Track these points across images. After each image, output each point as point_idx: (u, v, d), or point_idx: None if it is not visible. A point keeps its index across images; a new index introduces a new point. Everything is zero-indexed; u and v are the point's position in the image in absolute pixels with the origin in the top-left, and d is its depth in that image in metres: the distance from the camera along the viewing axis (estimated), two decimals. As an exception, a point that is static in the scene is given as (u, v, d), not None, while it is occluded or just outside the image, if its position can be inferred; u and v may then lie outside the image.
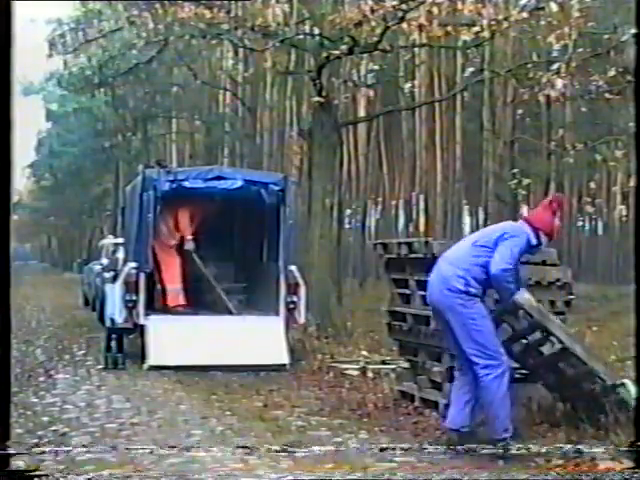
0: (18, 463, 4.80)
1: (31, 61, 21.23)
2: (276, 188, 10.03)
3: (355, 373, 8.74)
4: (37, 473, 4.60)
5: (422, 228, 29.30)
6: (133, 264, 9.62)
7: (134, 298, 9.47)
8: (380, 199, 35.25)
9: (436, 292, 5.48)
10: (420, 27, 10.67)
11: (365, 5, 10.53)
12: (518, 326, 5.70)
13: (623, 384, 5.60)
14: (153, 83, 24.67)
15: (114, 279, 10.33)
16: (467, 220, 34.01)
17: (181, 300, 10.35)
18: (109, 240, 17.53)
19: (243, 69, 23.81)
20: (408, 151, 29.83)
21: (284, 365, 9.22)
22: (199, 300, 10.51)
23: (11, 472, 4.67)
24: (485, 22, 10.42)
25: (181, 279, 10.46)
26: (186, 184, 9.79)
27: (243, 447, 5.37)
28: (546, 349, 5.73)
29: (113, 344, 9.50)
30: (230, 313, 9.89)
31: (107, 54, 18.01)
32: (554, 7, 10.20)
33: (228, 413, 6.75)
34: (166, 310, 10.23)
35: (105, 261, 15.03)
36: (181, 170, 10.67)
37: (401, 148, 30.58)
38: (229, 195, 10.04)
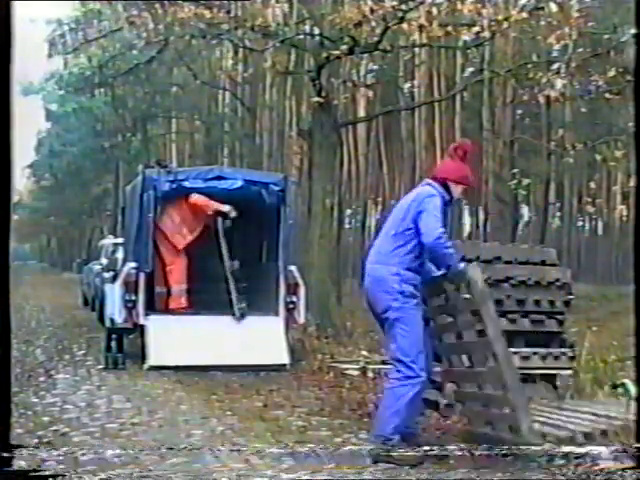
0: (19, 463, 4.80)
1: (31, 61, 21.25)
2: (276, 188, 10.03)
3: (355, 373, 8.73)
4: (38, 473, 4.60)
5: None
6: (133, 264, 9.62)
7: (134, 298, 9.46)
8: (380, 199, 35.24)
9: (372, 295, 5.25)
10: (420, 27, 10.68)
11: (365, 5, 10.53)
12: (453, 299, 5.30)
13: (623, 384, 5.60)
14: (153, 83, 24.69)
15: (114, 279, 10.33)
16: (467, 220, 34.05)
17: (185, 301, 10.33)
18: (109, 240, 17.54)
19: (243, 69, 23.82)
20: (408, 151, 29.83)
21: (284, 365, 9.22)
22: (203, 300, 10.47)
23: (12, 472, 4.66)
24: (485, 22, 10.44)
25: (186, 279, 10.42)
26: (186, 184, 9.80)
27: (243, 447, 5.37)
28: (467, 335, 5.37)
29: (113, 344, 9.48)
30: (233, 314, 9.86)
31: (107, 54, 18.04)
32: (554, 7, 10.21)
33: (228, 413, 6.74)
34: (166, 310, 10.22)
35: (105, 261, 15.03)
36: (181, 170, 10.66)
37: (401, 148, 30.57)
38: (229, 195, 10.03)
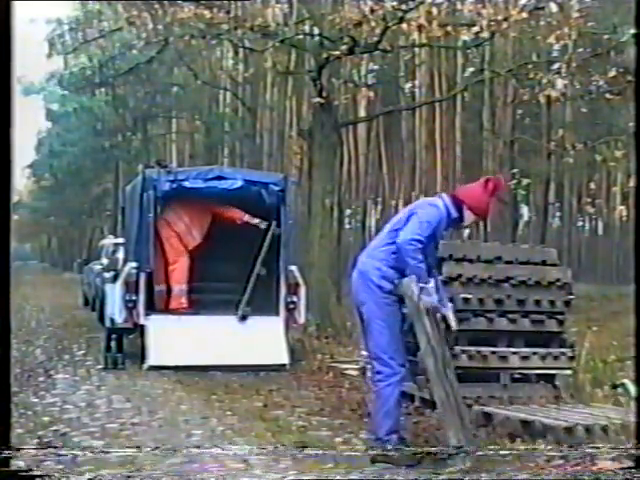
0: (18, 463, 4.80)
1: (31, 61, 21.23)
2: (276, 188, 10.02)
3: (355, 373, 8.74)
4: (37, 473, 4.60)
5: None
6: (133, 264, 9.62)
7: (134, 298, 9.46)
8: (380, 199, 35.22)
9: (354, 288, 5.28)
10: (420, 27, 10.69)
11: (365, 5, 10.56)
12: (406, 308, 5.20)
13: (623, 384, 5.59)
14: (153, 83, 24.70)
15: (114, 279, 10.32)
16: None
17: (185, 301, 10.32)
18: (109, 240, 17.52)
19: (243, 69, 23.86)
20: (408, 151, 29.83)
21: (284, 365, 9.22)
22: (203, 301, 10.46)
23: (11, 472, 4.66)
24: (485, 22, 10.45)
25: (187, 279, 10.41)
26: (186, 184, 9.79)
27: (243, 447, 5.37)
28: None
29: (113, 344, 9.49)
30: (234, 314, 9.84)
31: (107, 54, 18.06)
32: (554, 7, 10.24)
33: (228, 413, 6.75)
34: (166, 310, 10.21)
35: (105, 261, 15.03)
36: (181, 170, 10.65)
37: (401, 148, 30.57)
38: (229, 195, 10.03)
